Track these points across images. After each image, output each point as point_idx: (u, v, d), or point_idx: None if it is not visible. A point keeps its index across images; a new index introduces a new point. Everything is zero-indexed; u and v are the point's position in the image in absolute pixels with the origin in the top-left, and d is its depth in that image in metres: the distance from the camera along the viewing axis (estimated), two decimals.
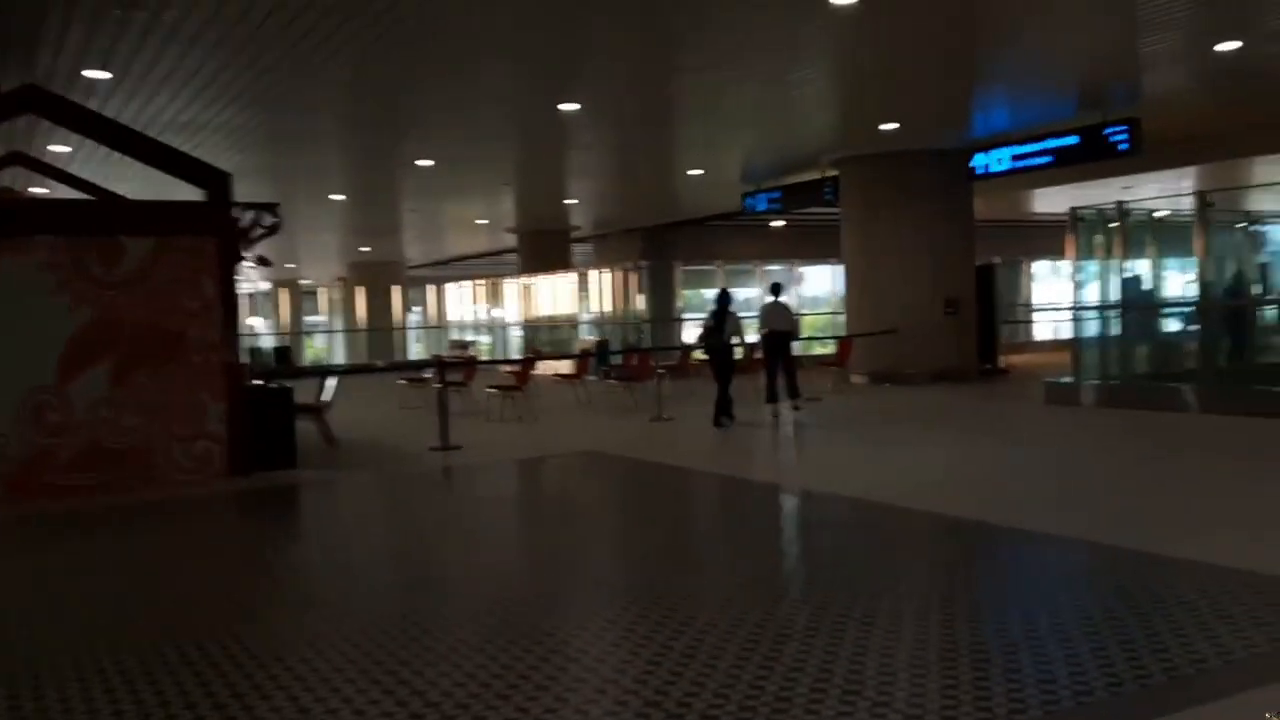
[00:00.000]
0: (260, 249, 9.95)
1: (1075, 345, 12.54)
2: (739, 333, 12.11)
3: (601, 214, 25.50)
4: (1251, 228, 12.76)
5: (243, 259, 9.70)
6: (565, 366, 17.85)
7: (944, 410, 13.14)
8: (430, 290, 34.98)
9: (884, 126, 14.21)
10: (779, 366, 12.35)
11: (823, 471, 8.96)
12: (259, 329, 36.44)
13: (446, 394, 10.86)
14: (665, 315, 22.10)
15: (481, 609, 4.93)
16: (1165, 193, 16.40)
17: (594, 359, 18.40)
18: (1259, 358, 12.20)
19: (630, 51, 10.12)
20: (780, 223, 26.33)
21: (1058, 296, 26.68)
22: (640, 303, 22.59)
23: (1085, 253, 12.28)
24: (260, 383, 10.49)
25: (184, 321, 9.25)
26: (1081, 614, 4.42)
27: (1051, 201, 22.67)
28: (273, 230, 9.73)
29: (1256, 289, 13.26)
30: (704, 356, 12.43)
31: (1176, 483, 7.68)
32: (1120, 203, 11.94)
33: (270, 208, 9.77)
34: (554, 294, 25.46)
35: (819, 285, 27.51)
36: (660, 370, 13.59)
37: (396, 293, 33.75)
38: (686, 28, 9.19)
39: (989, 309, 17.32)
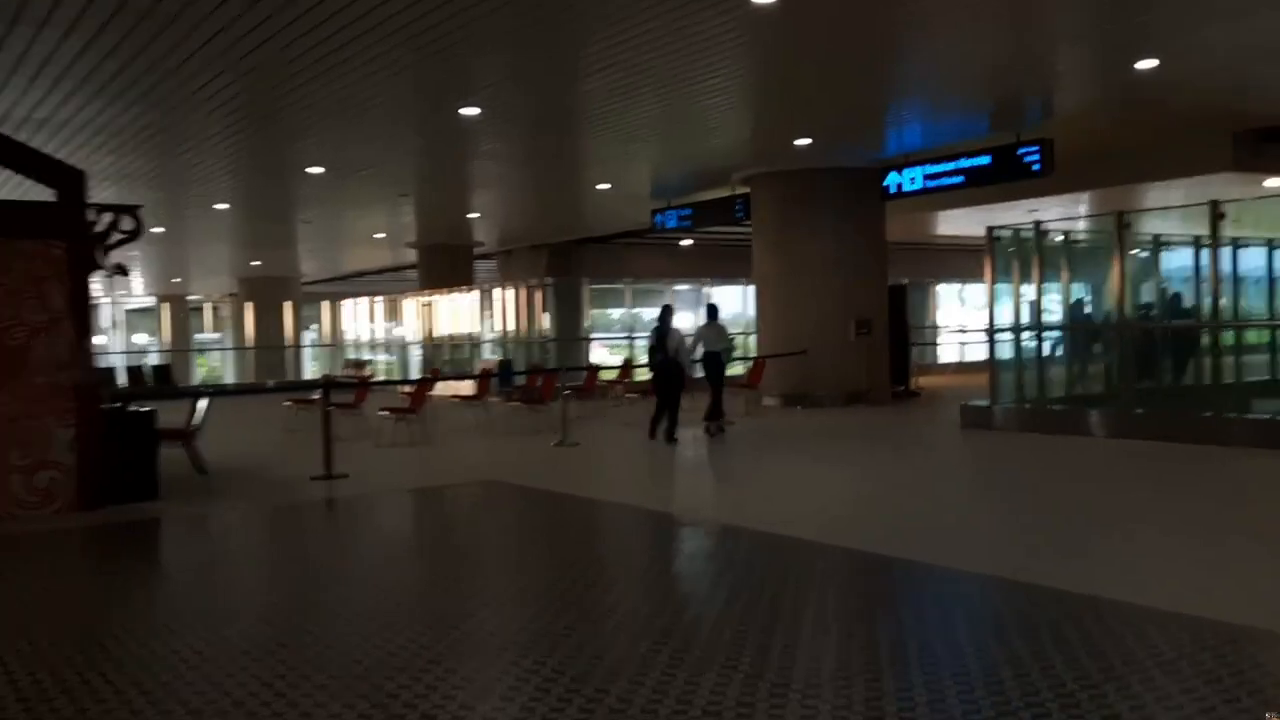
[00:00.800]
0: (119, 256, 8.95)
1: (992, 368, 12.25)
2: (683, 348, 11.98)
3: (507, 229, 24.74)
4: (1164, 251, 12.64)
5: (98, 267, 8.68)
6: (466, 387, 17.02)
7: (861, 435, 12.74)
8: (326, 307, 33.52)
9: (797, 142, 13.82)
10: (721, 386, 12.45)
11: (735, 503, 8.37)
12: (145, 345, 34.53)
13: (331, 417, 9.96)
14: (571, 334, 21.40)
15: (353, 673, 4.15)
16: (1067, 215, 16.39)
17: (496, 379, 17.61)
18: (1173, 381, 12.08)
19: (532, 50, 9.45)
20: (689, 241, 25.95)
21: (962, 319, 26.92)
22: (546, 321, 21.86)
23: (1002, 273, 12.01)
24: (118, 405, 9.43)
25: (26, 336, 8.20)
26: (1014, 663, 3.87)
27: (956, 224, 22.74)
28: (133, 235, 8.74)
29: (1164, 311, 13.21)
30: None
31: (1093, 515, 7.30)
32: (1038, 223, 11.72)
33: (130, 210, 8.77)
34: (455, 312, 24.54)
35: (729, 305, 27.20)
36: (566, 391, 12.88)
37: (290, 309, 32.23)
38: (594, 20, 8.56)
39: (901, 330, 17.08)
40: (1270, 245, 13.49)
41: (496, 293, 23.10)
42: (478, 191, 18.27)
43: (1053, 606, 4.87)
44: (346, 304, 29.58)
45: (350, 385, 13.59)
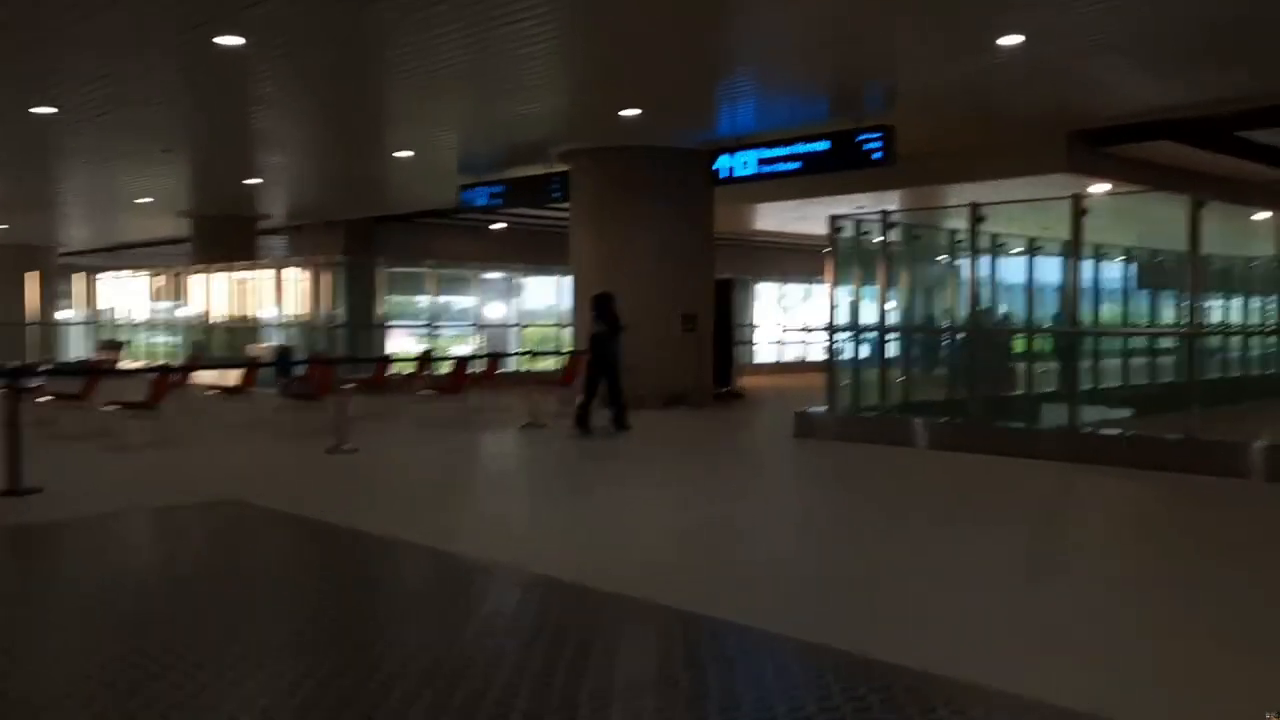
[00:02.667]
0: None
1: (830, 372, 11.14)
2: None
3: (298, 202, 22.20)
4: (1014, 252, 11.94)
5: None
6: (234, 377, 14.64)
7: (689, 443, 11.38)
8: (80, 280, 29.37)
9: (624, 112, 12.33)
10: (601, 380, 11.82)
11: (523, 535, 6.74)
12: None
13: (16, 410, 7.66)
14: (365, 321, 19.12)
15: None
16: (912, 208, 15.67)
17: (275, 369, 15.34)
18: (1008, 390, 11.35)
19: None
20: (501, 225, 24.14)
21: (783, 318, 26.32)
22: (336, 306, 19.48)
23: (845, 267, 10.92)
24: None
25: None
26: None
27: (779, 219, 22.02)
28: None
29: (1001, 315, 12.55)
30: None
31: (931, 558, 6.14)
32: (885, 213, 10.65)
33: None
34: (237, 291, 21.76)
35: (542, 298, 25.56)
36: (349, 385, 10.91)
37: (35, 281, 27.98)
38: None
39: (725, 328, 15.93)
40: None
41: (286, 272, 20.50)
42: (256, 152, 15.85)
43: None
44: (106, 277, 25.95)
45: (71, 372, 11.05)
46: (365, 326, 18.68)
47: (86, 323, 27.97)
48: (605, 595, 4.96)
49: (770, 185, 15.43)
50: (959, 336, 11.18)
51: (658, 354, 14.34)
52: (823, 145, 12.79)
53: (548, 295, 23.44)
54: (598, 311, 11.81)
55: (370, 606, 5.15)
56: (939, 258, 12.11)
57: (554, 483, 8.91)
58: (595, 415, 11.56)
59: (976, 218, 9.92)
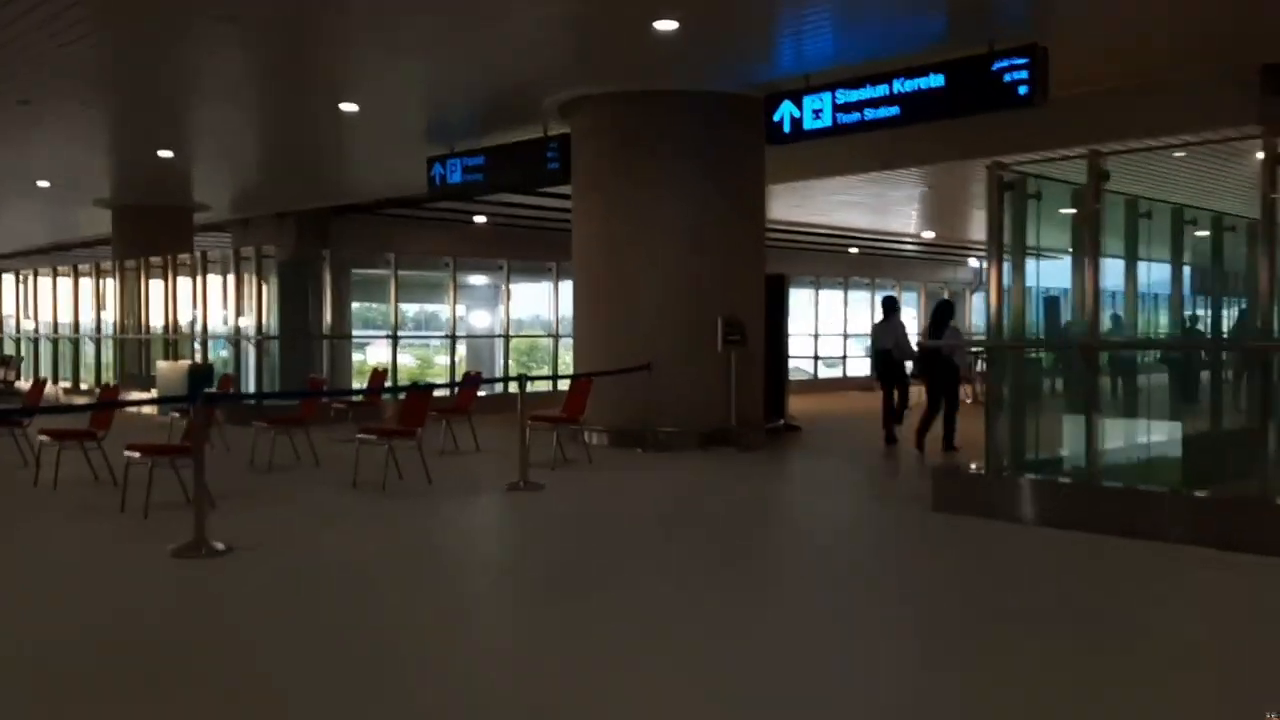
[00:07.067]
0: None
1: (990, 407, 7.15)
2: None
3: (240, 189, 18.38)
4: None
5: None
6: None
7: (750, 537, 7.26)
8: None
9: (659, 24, 8.49)
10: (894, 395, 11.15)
11: None
12: None
13: None
14: (308, 331, 15.00)
15: None
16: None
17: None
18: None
19: None
20: (482, 218, 20.28)
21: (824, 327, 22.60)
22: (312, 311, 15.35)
23: (1015, 245, 6.96)
24: None
25: None
26: None
27: (818, 205, 18.32)
28: None
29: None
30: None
31: None
32: (1097, 152, 6.65)
33: None
34: (164, 296, 17.76)
35: (532, 306, 21.77)
36: (260, 423, 7.00)
37: None
38: None
39: (778, 339, 12.08)
40: None
41: (213, 276, 16.50)
42: (158, 107, 11.95)
43: None
44: (5, 279, 21.78)
45: None
46: (309, 339, 14.67)
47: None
48: None
49: (839, 151, 11.69)
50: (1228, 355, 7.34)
51: (692, 375, 10.52)
52: (935, 80, 9.01)
53: (539, 301, 19.64)
54: (936, 322, 10.55)
55: None
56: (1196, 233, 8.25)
57: (564, 646, 5.03)
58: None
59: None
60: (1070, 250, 7.08)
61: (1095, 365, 6.67)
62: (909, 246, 25.59)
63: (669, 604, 5.03)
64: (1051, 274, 7.80)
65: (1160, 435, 7.31)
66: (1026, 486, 6.69)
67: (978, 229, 23.54)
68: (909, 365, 11.31)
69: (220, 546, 5.82)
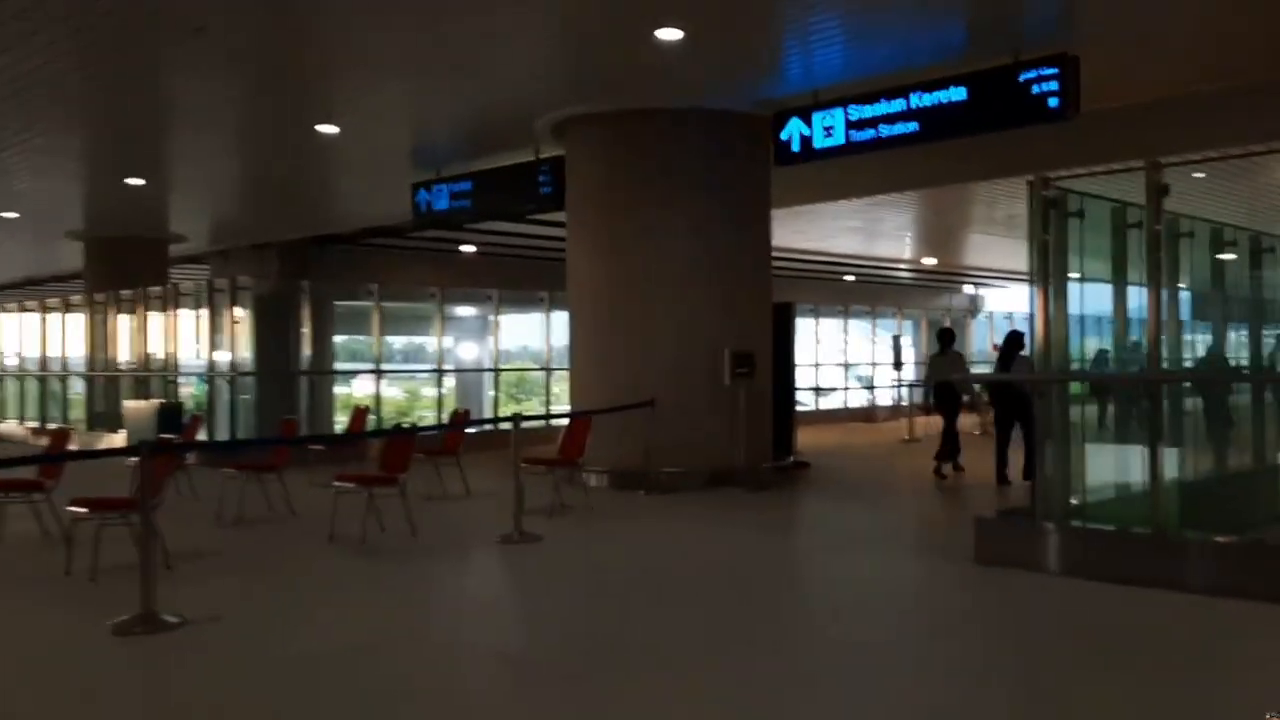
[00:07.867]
0: None
1: (1035, 448, 6.44)
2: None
3: (218, 218, 17.67)
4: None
5: None
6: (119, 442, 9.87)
7: (776, 593, 6.46)
8: None
9: (661, 33, 7.85)
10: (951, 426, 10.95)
11: None
12: None
13: None
14: (285, 365, 14.18)
15: None
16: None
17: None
18: None
19: None
20: (471, 248, 19.60)
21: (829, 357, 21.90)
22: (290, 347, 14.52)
23: (1058, 266, 6.24)
24: None
25: None
26: None
27: (821, 229, 17.75)
28: None
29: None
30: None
31: None
32: (1156, 163, 5.99)
33: None
34: (140, 330, 16.94)
35: (524, 338, 21.08)
36: (230, 470, 6.25)
37: None
38: None
39: (786, 371, 11.39)
40: None
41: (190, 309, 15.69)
42: (126, 127, 11.24)
43: None
44: None
45: None
46: (288, 374, 13.88)
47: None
48: None
49: (846, 174, 11.10)
50: None
51: (697, 411, 9.82)
52: (957, 93, 8.40)
53: (529, 332, 18.92)
54: (1006, 353, 10.11)
55: None
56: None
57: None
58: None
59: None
60: (1117, 273, 6.43)
61: (1179, 402, 5.98)
62: (904, 273, 25.07)
63: (683, 693, 4.28)
64: (1093, 298, 7.17)
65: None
66: (1089, 537, 5.97)
67: (975, 254, 23.08)
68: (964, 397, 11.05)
69: (172, 620, 5.05)
